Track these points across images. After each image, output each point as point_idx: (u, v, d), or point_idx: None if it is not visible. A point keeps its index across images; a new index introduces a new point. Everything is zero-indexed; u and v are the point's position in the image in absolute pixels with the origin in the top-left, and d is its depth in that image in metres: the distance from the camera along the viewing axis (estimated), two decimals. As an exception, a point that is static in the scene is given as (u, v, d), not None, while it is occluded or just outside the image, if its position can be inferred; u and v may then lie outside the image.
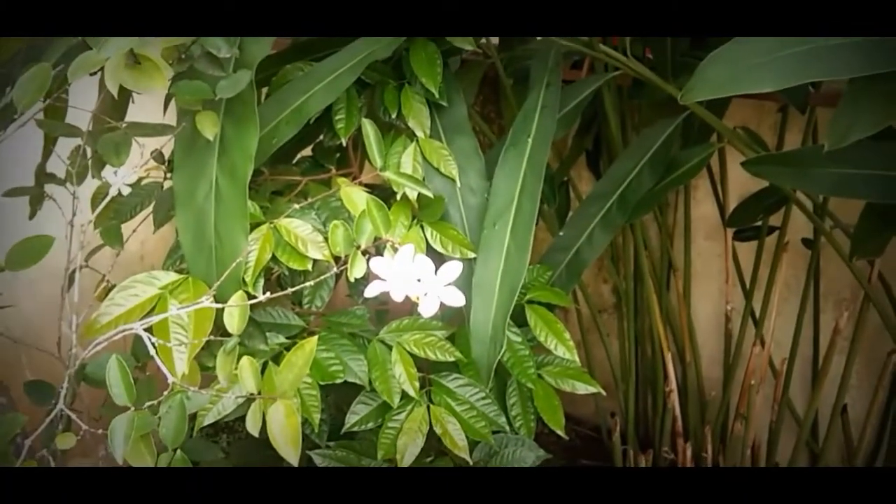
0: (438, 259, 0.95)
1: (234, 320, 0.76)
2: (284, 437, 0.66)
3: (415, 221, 1.03)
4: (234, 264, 0.82)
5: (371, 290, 0.66)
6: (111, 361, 0.68)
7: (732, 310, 1.50)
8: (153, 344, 0.76)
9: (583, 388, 1.16)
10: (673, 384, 1.52)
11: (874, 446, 1.46)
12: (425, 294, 0.66)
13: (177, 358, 0.82)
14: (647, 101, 1.38)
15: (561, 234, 1.21)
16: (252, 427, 0.68)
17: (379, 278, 0.67)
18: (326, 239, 0.91)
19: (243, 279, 0.88)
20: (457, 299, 0.66)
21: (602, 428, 1.71)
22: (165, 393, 0.69)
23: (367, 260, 0.75)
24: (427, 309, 0.67)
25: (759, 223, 1.40)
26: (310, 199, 0.95)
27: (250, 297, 0.87)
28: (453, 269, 0.68)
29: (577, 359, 1.10)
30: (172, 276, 0.88)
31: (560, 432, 1.14)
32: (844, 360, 1.36)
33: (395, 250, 0.69)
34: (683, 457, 1.51)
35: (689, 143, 1.27)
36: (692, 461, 1.52)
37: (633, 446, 1.58)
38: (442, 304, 0.69)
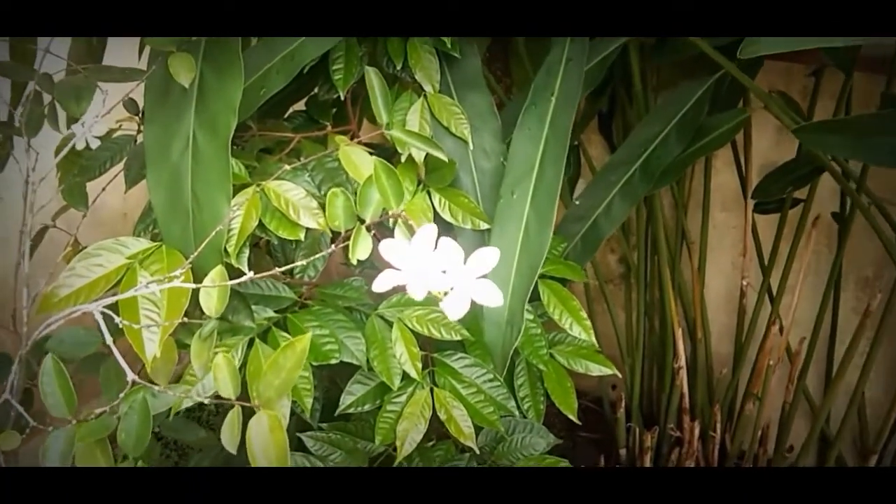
0: (446, 231, 0.81)
1: (212, 300, 0.62)
2: (267, 455, 0.52)
3: (421, 187, 0.89)
4: (214, 232, 0.67)
5: (381, 284, 0.50)
6: (45, 363, 0.53)
7: (748, 285, 1.37)
8: (119, 325, 0.62)
9: (597, 370, 1.03)
10: (682, 360, 1.40)
11: (889, 434, 1.34)
12: (452, 289, 0.50)
13: (147, 339, 0.68)
14: (669, 62, 1.22)
15: (577, 202, 1.06)
16: (228, 441, 0.54)
17: (390, 266, 0.51)
18: (322, 205, 0.77)
19: (225, 249, 0.73)
20: (493, 297, 0.50)
21: (604, 400, 1.59)
22: (123, 393, 0.55)
23: (373, 237, 0.61)
24: (454, 309, 0.50)
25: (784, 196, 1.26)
26: (303, 159, 0.79)
27: (233, 269, 0.73)
28: (488, 257, 0.51)
29: (594, 340, 0.96)
30: (143, 244, 0.74)
31: (572, 417, 1.01)
32: (868, 344, 1.23)
33: (409, 227, 0.55)
34: (690, 435, 1.39)
35: (715, 109, 1.12)
36: (699, 440, 1.40)
37: (637, 423, 1.46)
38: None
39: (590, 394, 1.67)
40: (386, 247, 0.50)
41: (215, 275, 0.61)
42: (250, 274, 0.55)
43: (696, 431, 1.38)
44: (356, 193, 0.67)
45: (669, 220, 1.37)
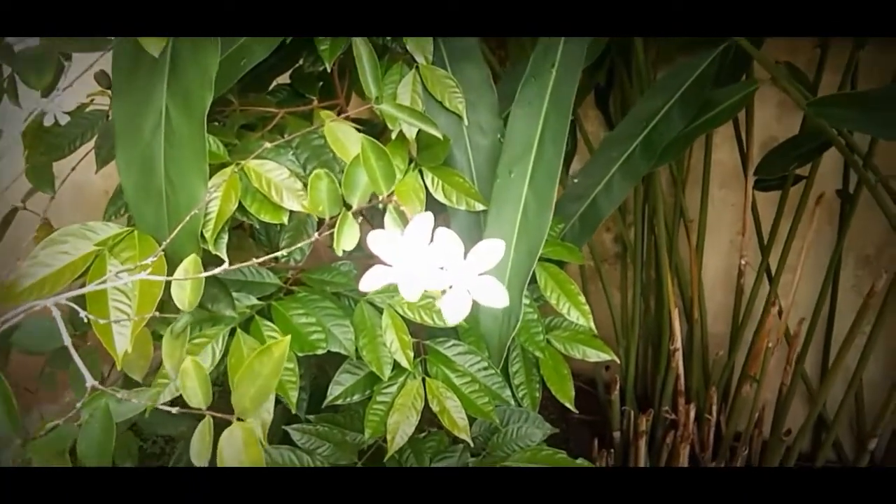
0: (439, 213, 0.75)
1: (185, 292, 0.56)
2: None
3: (412, 166, 0.83)
4: (189, 216, 0.61)
5: (369, 282, 0.43)
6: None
7: (746, 264, 1.32)
8: (85, 319, 0.56)
9: (594, 356, 0.98)
10: (678, 342, 1.35)
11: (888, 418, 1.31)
12: (451, 288, 0.43)
13: (117, 334, 0.63)
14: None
15: (575, 180, 1.01)
16: (198, 455, 0.48)
17: (380, 260, 0.44)
18: (307, 185, 0.71)
19: (202, 234, 0.67)
20: (497, 296, 0.43)
21: (598, 381, 1.55)
22: (80, 401, 0.49)
23: (361, 223, 0.54)
24: (454, 311, 0.43)
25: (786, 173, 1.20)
26: (287, 136, 0.73)
27: (212, 256, 0.67)
28: (492, 251, 0.44)
29: (592, 326, 0.91)
30: (113, 229, 0.67)
31: (569, 405, 0.97)
32: (868, 325, 1.19)
33: (401, 215, 0.49)
34: (686, 418, 1.35)
35: (719, 82, 1.06)
36: (694, 422, 1.36)
37: (631, 406, 1.42)
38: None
39: (583, 375, 1.62)
40: (374, 239, 0.44)
41: (189, 264, 0.55)
42: (225, 265, 0.49)
43: (692, 414, 1.34)
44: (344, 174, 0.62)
45: (667, 197, 1.32)
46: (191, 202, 0.65)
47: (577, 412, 0.98)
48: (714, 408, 1.35)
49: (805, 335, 1.26)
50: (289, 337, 0.48)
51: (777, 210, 1.26)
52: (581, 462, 0.91)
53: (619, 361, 0.98)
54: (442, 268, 0.42)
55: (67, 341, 0.48)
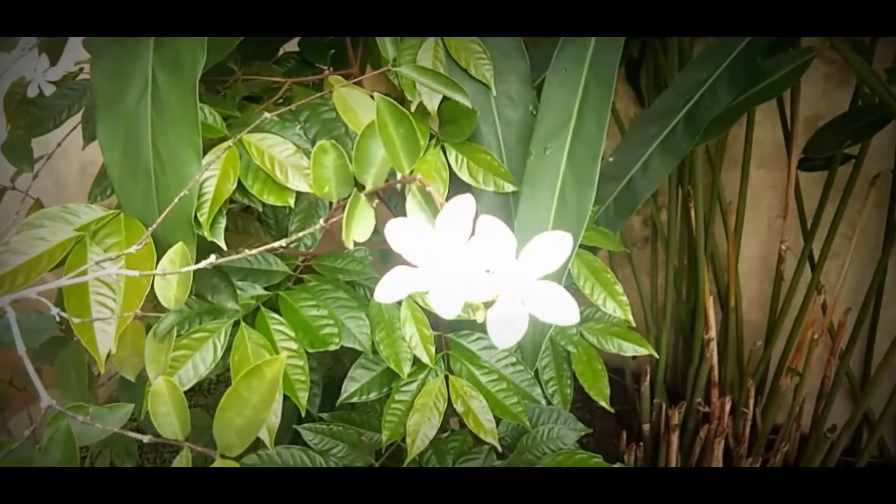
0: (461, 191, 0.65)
1: (170, 287, 0.46)
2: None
3: (433, 142, 0.73)
4: (177, 197, 0.52)
5: (388, 291, 0.32)
6: None
7: (787, 249, 1.21)
8: (57, 316, 0.47)
9: (631, 350, 0.89)
10: (713, 331, 1.25)
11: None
12: (499, 299, 0.32)
13: (99, 331, 0.54)
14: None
15: (610, 159, 0.90)
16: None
17: (403, 260, 0.33)
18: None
19: (195, 218, 0.58)
20: (563, 310, 0.31)
21: (626, 370, 1.45)
22: (34, 425, 0.40)
23: (377, 206, 0.44)
24: (503, 330, 0.31)
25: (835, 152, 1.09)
26: (292, 105, 0.63)
27: (205, 245, 0.57)
28: (557, 246, 0.32)
29: (630, 318, 0.81)
30: (96, 212, 0.58)
31: (605, 404, 0.87)
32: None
33: (426, 198, 0.39)
34: (721, 411, 1.26)
35: (769, 51, 0.95)
36: (729, 416, 1.26)
37: (662, 397, 1.32)
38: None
39: (609, 364, 1.52)
40: (395, 231, 0.34)
41: (175, 254, 0.46)
42: (212, 258, 0.40)
43: (727, 407, 1.24)
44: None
45: (702, 177, 1.21)
46: (182, 181, 0.56)
47: (611, 410, 0.89)
48: (751, 401, 1.25)
49: (853, 327, 1.15)
50: (283, 356, 0.38)
51: (823, 192, 1.15)
52: (619, 467, 0.81)
53: (657, 357, 0.88)
54: (487, 270, 0.32)
55: (21, 349, 0.39)
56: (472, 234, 0.32)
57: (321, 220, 0.46)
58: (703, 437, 1.27)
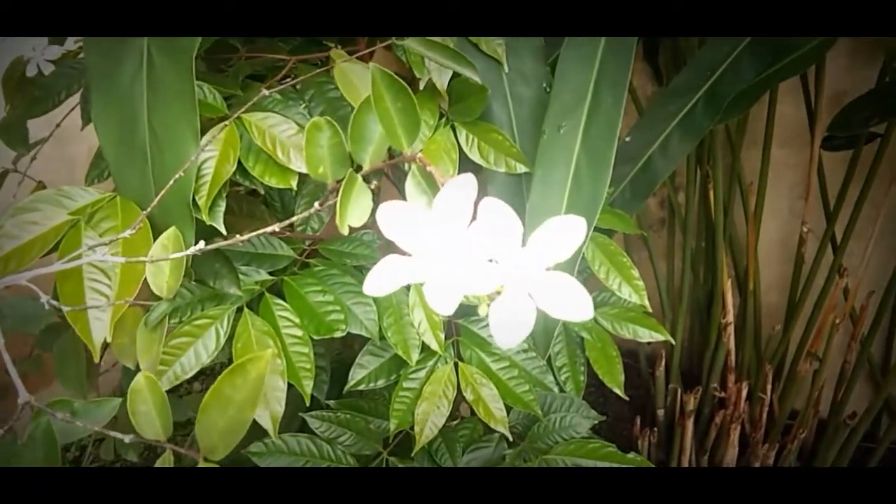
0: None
1: (162, 275, 0.44)
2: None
3: (442, 121, 0.70)
4: (173, 179, 0.49)
5: (377, 283, 0.29)
6: None
7: (808, 231, 1.17)
8: (47, 305, 0.45)
9: (647, 336, 0.85)
10: (731, 315, 1.22)
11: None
12: (504, 291, 0.28)
13: (94, 319, 0.51)
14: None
15: (627, 139, 0.87)
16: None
17: (398, 248, 0.30)
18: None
19: (194, 201, 0.55)
20: (576, 305, 0.28)
21: (640, 354, 1.42)
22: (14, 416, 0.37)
23: (374, 192, 0.41)
24: (508, 328, 0.28)
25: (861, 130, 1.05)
26: (293, 82, 0.60)
27: (203, 229, 0.55)
28: (570, 232, 0.29)
29: (646, 303, 0.78)
30: (92, 195, 0.56)
31: (619, 391, 0.84)
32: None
33: (427, 178, 0.35)
34: (737, 396, 1.22)
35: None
36: (746, 401, 1.23)
37: (677, 382, 1.29)
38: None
39: (622, 347, 1.50)
40: (387, 214, 0.31)
41: (168, 239, 0.43)
42: (200, 244, 0.37)
43: (744, 393, 1.21)
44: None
45: (721, 157, 1.17)
46: (180, 162, 0.53)
47: (625, 398, 0.86)
48: (769, 386, 1.21)
49: (876, 311, 1.11)
50: (269, 351, 0.36)
51: (847, 172, 1.10)
52: (633, 457, 0.78)
53: (673, 343, 0.85)
54: (491, 260, 0.29)
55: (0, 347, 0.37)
56: (474, 218, 0.29)
57: (316, 204, 0.43)
58: (718, 422, 1.25)
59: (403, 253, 0.30)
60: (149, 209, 0.49)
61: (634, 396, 1.44)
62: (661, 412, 1.30)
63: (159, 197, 0.49)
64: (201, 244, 0.38)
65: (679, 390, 1.26)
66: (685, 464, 1.27)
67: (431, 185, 0.35)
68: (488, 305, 0.28)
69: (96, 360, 0.49)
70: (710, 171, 1.11)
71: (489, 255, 0.28)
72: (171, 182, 0.48)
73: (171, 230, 0.46)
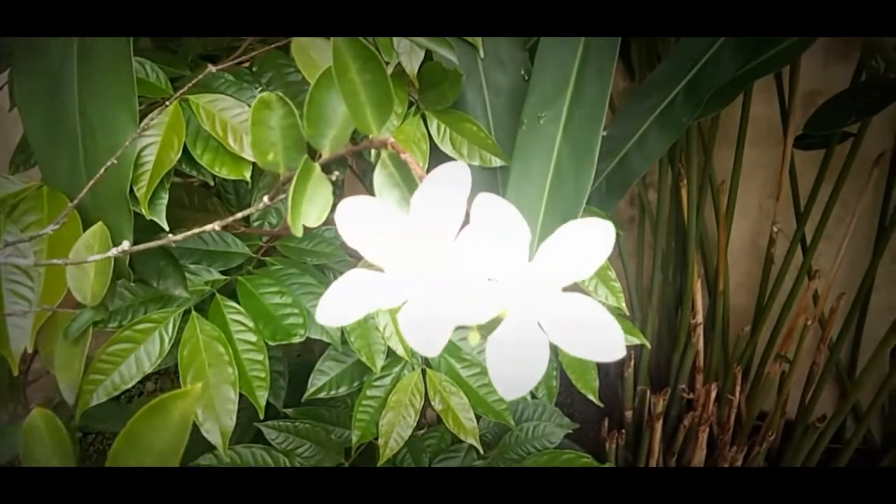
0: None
1: (86, 278, 0.37)
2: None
3: (412, 110, 0.64)
4: (104, 167, 0.43)
5: (335, 307, 0.22)
6: None
7: (779, 231, 1.14)
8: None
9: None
10: (700, 316, 1.19)
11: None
12: (509, 321, 0.21)
13: (13, 328, 0.44)
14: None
15: (603, 132, 0.82)
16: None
17: (360, 257, 0.23)
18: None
19: (132, 192, 0.48)
20: (605, 341, 0.21)
21: (605, 356, 1.38)
22: None
23: (336, 185, 0.34)
24: (511, 374, 0.21)
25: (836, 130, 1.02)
26: (244, 58, 0.54)
27: (147, 225, 0.48)
28: (588, 238, 0.22)
29: (623, 305, 0.73)
30: (14, 185, 0.49)
31: (593, 398, 0.80)
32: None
33: (403, 169, 0.29)
34: (706, 398, 1.19)
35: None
36: (714, 403, 1.20)
37: (645, 383, 1.25)
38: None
39: (589, 347, 1.46)
40: (350, 214, 0.23)
41: (93, 237, 0.36)
42: (123, 244, 0.31)
43: (713, 394, 1.18)
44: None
45: (693, 155, 1.13)
46: (115, 149, 0.46)
47: (600, 405, 0.81)
48: (738, 388, 1.18)
49: (847, 312, 1.09)
50: (199, 385, 0.30)
51: (819, 171, 1.08)
52: (609, 468, 0.74)
53: (648, 346, 0.81)
54: (490, 279, 0.21)
55: None
56: (465, 221, 0.22)
57: (265, 198, 0.37)
58: (686, 425, 1.21)
59: (374, 266, 0.23)
60: (76, 201, 0.43)
61: (602, 397, 1.41)
62: (629, 414, 1.27)
63: (87, 187, 0.42)
64: (125, 244, 0.32)
65: (648, 392, 1.22)
66: (653, 466, 1.24)
67: (407, 179, 0.29)
68: (482, 336, 0.22)
69: (15, 371, 0.42)
70: (684, 170, 1.07)
71: (486, 271, 0.21)
72: (102, 170, 0.42)
73: (97, 226, 0.40)
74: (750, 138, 1.17)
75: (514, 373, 0.22)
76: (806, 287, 1.09)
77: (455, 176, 0.23)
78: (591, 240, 0.23)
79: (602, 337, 0.22)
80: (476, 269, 0.21)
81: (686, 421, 1.21)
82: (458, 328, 0.22)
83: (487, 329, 0.22)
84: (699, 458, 1.23)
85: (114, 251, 0.32)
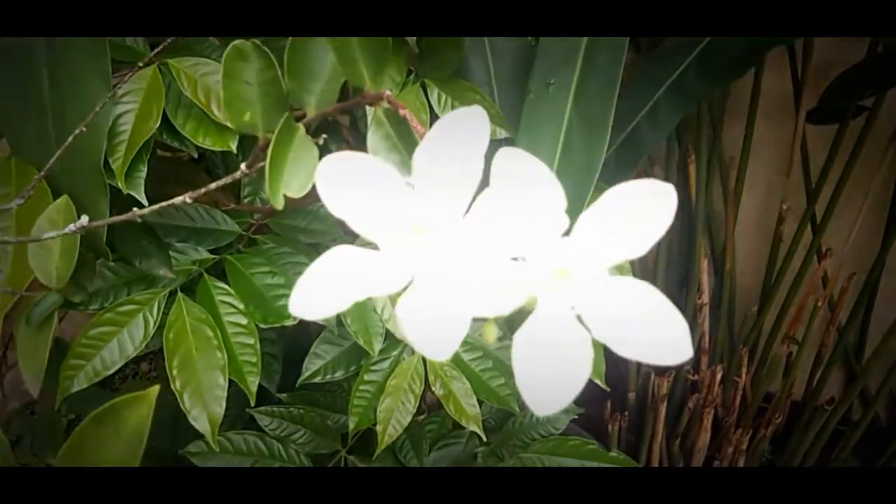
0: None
1: (51, 258, 0.33)
2: None
3: (411, 78, 0.60)
4: (72, 136, 0.38)
5: (315, 294, 0.17)
6: None
7: (788, 209, 1.10)
8: None
9: (630, 321, 0.77)
10: (706, 296, 1.15)
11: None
12: (538, 313, 0.16)
13: (-24, 311, 0.40)
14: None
15: (612, 104, 0.77)
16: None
17: (351, 231, 0.17)
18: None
19: (107, 163, 0.44)
20: (667, 340, 0.17)
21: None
22: None
23: (322, 147, 0.29)
24: (545, 380, 0.15)
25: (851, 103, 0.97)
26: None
27: (120, 200, 0.44)
28: (644, 206, 0.17)
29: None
30: (-21, 156, 0.44)
31: (600, 382, 0.76)
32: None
33: (401, 126, 0.24)
34: (712, 380, 1.16)
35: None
36: (719, 385, 1.17)
37: (650, 365, 1.22)
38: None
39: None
40: (335, 174, 0.18)
41: (57, 212, 0.32)
42: (83, 219, 0.27)
43: (719, 376, 1.15)
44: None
45: (700, 129, 1.09)
46: (87, 115, 0.42)
47: (606, 389, 0.78)
48: (744, 370, 1.15)
49: (857, 293, 1.05)
50: (156, 388, 0.26)
51: (831, 147, 1.03)
52: (617, 456, 0.71)
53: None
54: (515, 257, 0.17)
55: None
56: (482, 187, 0.17)
57: (243, 166, 0.32)
58: (691, 407, 1.18)
59: (368, 243, 0.18)
60: (43, 172, 0.39)
61: (605, 379, 1.38)
62: (632, 396, 1.23)
63: (55, 157, 0.38)
64: (84, 219, 0.28)
65: (652, 373, 1.19)
66: (656, 448, 1.21)
67: (406, 140, 0.24)
68: (504, 333, 0.17)
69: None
70: (692, 147, 1.03)
71: (510, 249, 0.17)
72: (70, 138, 0.38)
73: (62, 200, 0.36)
74: (760, 111, 1.12)
75: (548, 381, 0.17)
76: (815, 267, 1.06)
77: (469, 125, 0.18)
78: (648, 207, 0.18)
79: (663, 334, 0.18)
80: (497, 244, 0.16)
81: (691, 403, 1.18)
82: (473, 321, 0.17)
83: (512, 323, 0.17)
84: (703, 440, 1.20)
85: (70, 227, 0.28)
